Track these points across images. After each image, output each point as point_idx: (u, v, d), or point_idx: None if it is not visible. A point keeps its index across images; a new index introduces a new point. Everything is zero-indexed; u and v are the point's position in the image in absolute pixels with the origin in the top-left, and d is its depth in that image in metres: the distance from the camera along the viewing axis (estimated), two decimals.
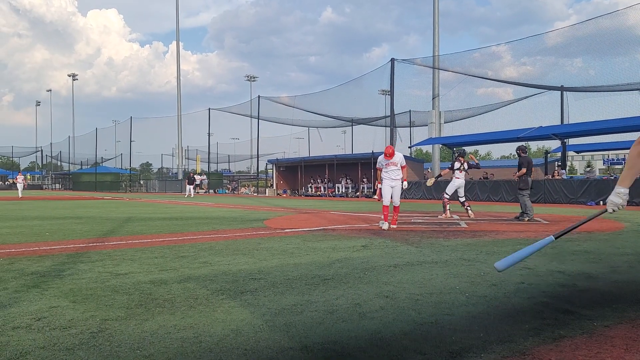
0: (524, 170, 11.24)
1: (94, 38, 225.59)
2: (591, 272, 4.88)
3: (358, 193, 31.98)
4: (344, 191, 33.47)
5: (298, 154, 50.73)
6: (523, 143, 14.48)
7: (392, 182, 9.87)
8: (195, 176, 45.06)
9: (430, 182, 13.81)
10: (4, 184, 66.34)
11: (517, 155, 11.98)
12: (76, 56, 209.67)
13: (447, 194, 12.61)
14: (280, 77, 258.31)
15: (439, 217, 12.28)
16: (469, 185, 23.36)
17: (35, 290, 4.17)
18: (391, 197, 9.84)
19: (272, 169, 40.86)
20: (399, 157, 9.87)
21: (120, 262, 5.59)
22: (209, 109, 47.05)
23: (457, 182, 12.46)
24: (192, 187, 33.35)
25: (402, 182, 9.93)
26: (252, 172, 62.28)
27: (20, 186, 33.90)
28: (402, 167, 9.90)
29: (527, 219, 10.98)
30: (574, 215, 12.79)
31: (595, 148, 36.09)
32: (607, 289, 4.21)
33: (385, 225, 9.52)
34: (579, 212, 14.13)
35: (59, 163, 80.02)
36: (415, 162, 31.66)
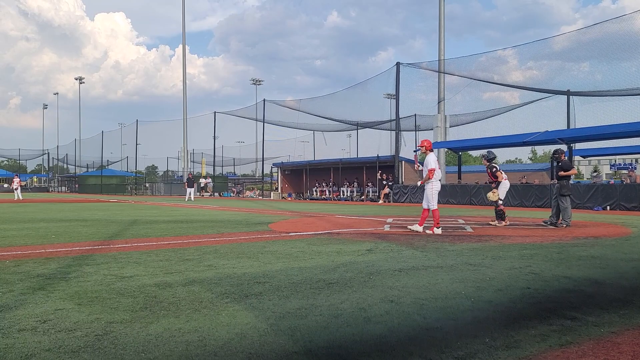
0: (574, 170, 11.07)
1: (102, 42, 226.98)
2: (598, 278, 4.85)
3: (363, 197, 31.94)
4: (349, 195, 33.44)
5: (303, 157, 50.68)
6: (546, 147, 14.07)
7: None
8: (201, 179, 45.07)
9: (494, 196, 11.36)
10: (10, 186, 66.64)
11: (555, 160, 11.50)
12: (84, 60, 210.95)
13: (501, 199, 11.39)
14: (285, 80, 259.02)
15: (497, 225, 11.03)
16: (474, 189, 23.31)
17: (41, 292, 4.18)
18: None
19: (277, 172, 40.88)
20: (426, 158, 9.71)
21: (126, 265, 5.60)
22: (215, 112, 47.19)
23: (506, 183, 11.51)
24: (192, 190, 32.33)
25: (425, 184, 9.68)
26: (257, 175, 62.33)
27: (15, 188, 33.56)
28: (429, 170, 9.63)
29: (564, 225, 10.61)
30: (581, 220, 12.70)
31: (602, 153, 35.90)
32: (614, 295, 4.17)
33: (436, 231, 9.29)
34: (585, 217, 14.04)
35: (65, 166, 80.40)
36: (420, 165, 31.55)
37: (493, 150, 13.02)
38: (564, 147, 23.16)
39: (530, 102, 29.75)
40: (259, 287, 4.40)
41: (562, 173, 10.98)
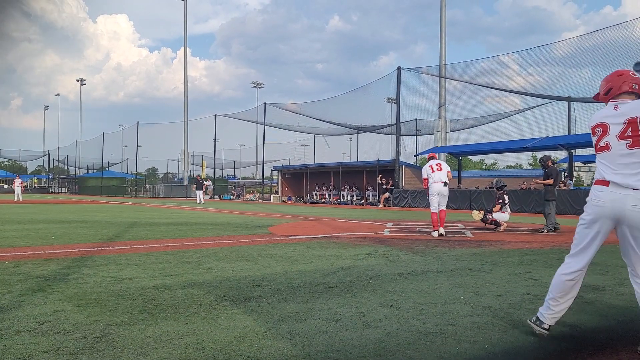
0: (551, 180, 11.09)
1: (104, 44, 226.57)
2: (598, 284, 4.84)
3: (363, 201, 31.94)
4: (349, 199, 33.42)
5: (303, 160, 50.63)
6: (546, 153, 13.98)
7: None
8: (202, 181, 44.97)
9: (478, 215, 11.62)
10: (10, 187, 66.65)
11: (542, 166, 11.60)
12: (85, 62, 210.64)
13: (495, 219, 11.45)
14: (287, 83, 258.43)
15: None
16: (475, 195, 23.30)
17: (40, 294, 4.18)
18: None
19: (277, 176, 40.87)
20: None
21: (125, 267, 5.60)
22: (216, 115, 47.17)
23: (506, 216, 11.48)
24: (201, 192, 32.01)
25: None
26: (257, 178, 62.34)
27: (18, 189, 33.47)
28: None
29: (545, 230, 10.64)
30: None
31: None
32: (613, 302, 4.17)
33: (433, 234, 9.93)
34: None
35: (65, 167, 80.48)
36: (421, 170, 31.61)
37: (493, 154, 13.12)
38: (563, 152, 23.20)
39: (531, 108, 29.74)
40: (258, 291, 4.40)
41: (543, 181, 11.02)
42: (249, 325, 3.29)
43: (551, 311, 3.09)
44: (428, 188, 10.25)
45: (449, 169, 10.41)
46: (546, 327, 3.08)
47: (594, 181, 3.08)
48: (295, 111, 38.37)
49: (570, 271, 3.11)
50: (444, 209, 10.17)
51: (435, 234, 9.79)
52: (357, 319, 3.49)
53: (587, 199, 3.05)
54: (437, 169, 10.13)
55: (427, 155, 11.18)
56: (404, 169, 29.13)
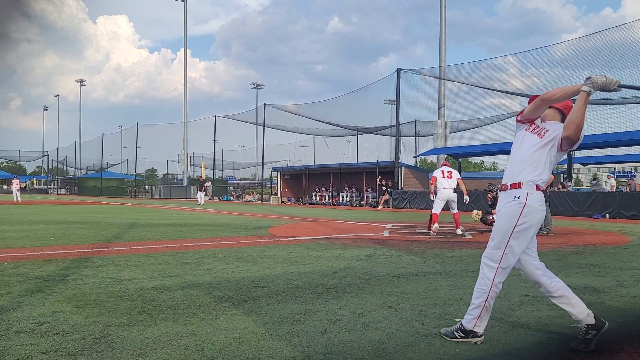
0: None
1: (104, 44, 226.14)
2: (597, 286, 4.84)
3: (362, 202, 31.94)
4: (348, 200, 33.42)
5: (303, 162, 50.69)
6: None
7: None
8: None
9: (477, 216, 11.73)
10: (9, 188, 66.51)
11: None
12: (85, 62, 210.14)
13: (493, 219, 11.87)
14: (286, 84, 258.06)
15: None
16: (474, 196, 23.31)
17: (38, 294, 4.18)
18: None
19: (277, 177, 40.86)
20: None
21: (124, 268, 5.59)
22: (215, 116, 47.15)
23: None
24: (203, 193, 32.23)
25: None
26: (257, 179, 62.32)
27: (15, 190, 33.17)
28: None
29: (545, 232, 10.62)
30: (580, 228, 12.70)
31: (602, 160, 35.96)
32: (613, 303, 4.17)
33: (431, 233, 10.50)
34: (584, 225, 14.03)
35: (65, 168, 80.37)
36: (420, 172, 31.62)
37: (492, 156, 13.32)
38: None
39: None
40: (257, 292, 4.39)
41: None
42: (248, 327, 3.29)
43: (486, 320, 3.09)
44: (435, 192, 10.81)
45: (459, 176, 11.13)
46: (481, 334, 3.06)
47: (529, 186, 3.14)
48: (295, 112, 38.37)
49: (506, 278, 3.22)
50: (457, 211, 10.93)
51: (435, 227, 10.29)
52: (356, 320, 3.49)
53: (525, 204, 3.12)
54: (448, 177, 10.71)
55: (441, 162, 11.97)
56: (404, 170, 29.14)
